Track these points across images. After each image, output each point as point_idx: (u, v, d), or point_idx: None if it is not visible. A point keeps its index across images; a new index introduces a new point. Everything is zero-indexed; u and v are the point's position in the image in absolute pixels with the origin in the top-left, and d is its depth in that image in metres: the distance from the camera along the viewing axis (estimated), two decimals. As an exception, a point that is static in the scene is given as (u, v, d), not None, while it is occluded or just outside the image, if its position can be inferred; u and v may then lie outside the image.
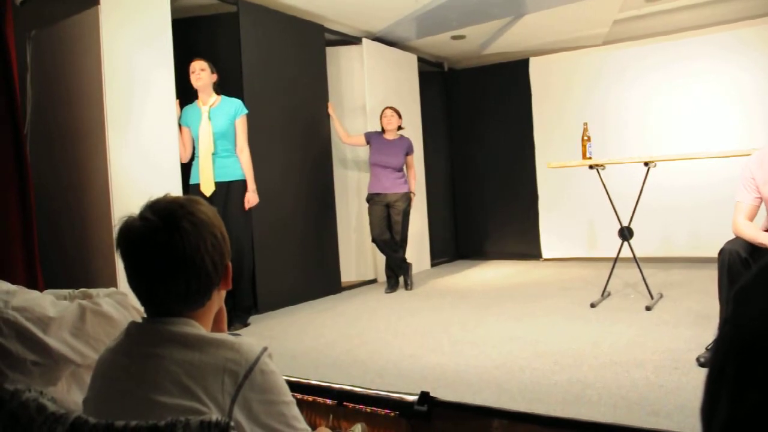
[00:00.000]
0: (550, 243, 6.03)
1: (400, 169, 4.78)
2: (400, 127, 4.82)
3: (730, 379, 0.40)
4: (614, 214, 3.95)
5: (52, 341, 1.23)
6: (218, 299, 1.00)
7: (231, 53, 4.17)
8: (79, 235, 3.34)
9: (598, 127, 5.35)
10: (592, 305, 3.78)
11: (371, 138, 4.81)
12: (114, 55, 3.26)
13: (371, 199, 4.77)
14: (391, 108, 4.80)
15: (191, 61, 3.74)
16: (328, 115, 4.87)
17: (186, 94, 3.76)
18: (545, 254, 6.05)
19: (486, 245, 6.45)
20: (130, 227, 0.93)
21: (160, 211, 0.94)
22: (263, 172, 4.09)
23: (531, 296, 4.25)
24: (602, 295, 3.98)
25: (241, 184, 3.75)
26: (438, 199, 6.42)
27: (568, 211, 5.88)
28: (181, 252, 0.91)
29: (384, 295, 4.69)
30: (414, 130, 5.80)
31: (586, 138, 4.01)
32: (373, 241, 4.76)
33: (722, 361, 0.42)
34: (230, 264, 0.99)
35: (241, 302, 3.79)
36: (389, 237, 4.71)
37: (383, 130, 4.80)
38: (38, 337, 1.21)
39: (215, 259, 0.94)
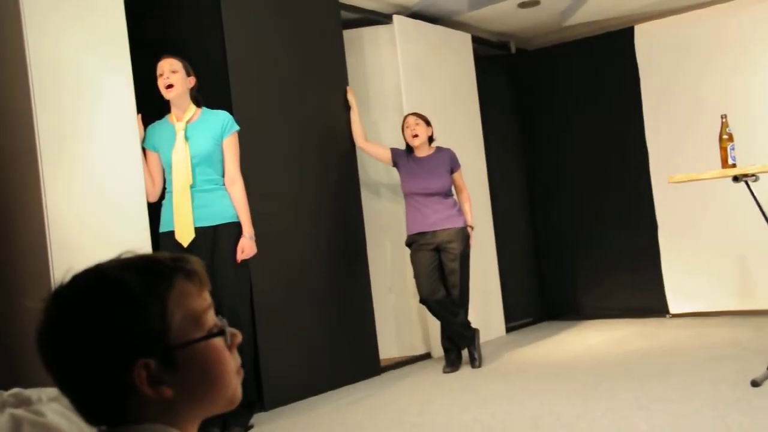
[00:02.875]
0: (679, 292, 5.95)
1: (449, 194, 4.84)
2: (431, 138, 4.89)
3: None
4: (776, 245, 3.80)
5: None
6: (152, 407, 0.97)
7: (211, 47, 4.22)
8: (5, 312, 3.33)
9: (742, 121, 5.22)
10: (755, 383, 3.65)
11: (398, 159, 4.90)
12: (44, 52, 3.27)
13: (414, 242, 4.82)
14: (414, 115, 4.90)
15: (158, 60, 3.78)
16: (349, 117, 4.92)
17: (151, 106, 3.80)
18: (674, 308, 5.99)
19: (584, 299, 6.42)
20: None
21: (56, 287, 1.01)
22: (263, 210, 4.12)
23: (657, 372, 4.16)
24: (768, 367, 3.86)
25: (233, 228, 3.76)
26: (511, 234, 6.41)
27: (704, 243, 5.78)
28: (47, 348, 0.97)
29: (442, 375, 4.70)
30: (472, 138, 5.84)
31: (725, 136, 3.96)
32: (423, 301, 4.77)
33: None
34: (146, 361, 0.94)
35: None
36: (444, 295, 4.72)
37: (410, 148, 4.85)
38: None
39: (94, 360, 0.94)
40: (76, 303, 0.97)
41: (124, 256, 1.01)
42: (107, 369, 0.95)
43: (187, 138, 3.74)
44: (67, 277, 0.99)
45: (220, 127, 3.78)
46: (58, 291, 0.99)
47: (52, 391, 1.43)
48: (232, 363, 1.02)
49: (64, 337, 0.96)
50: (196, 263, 1.02)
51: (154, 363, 0.95)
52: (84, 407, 0.99)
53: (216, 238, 3.72)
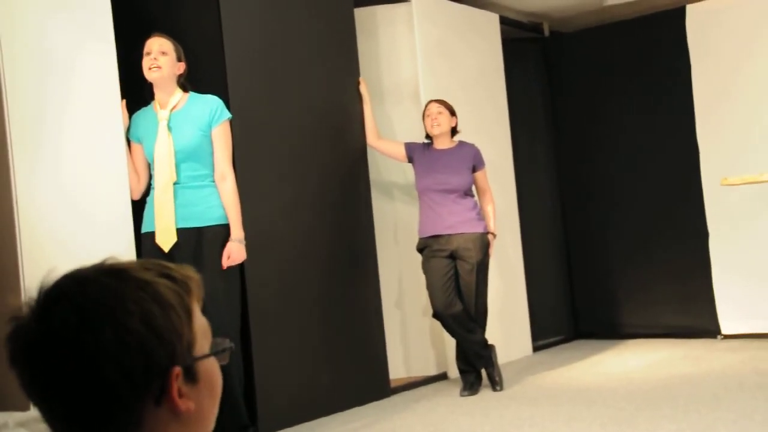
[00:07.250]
0: (733, 309, 5.91)
1: (469, 194, 4.85)
2: (455, 130, 4.91)
3: None
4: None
5: None
6: (166, 421, 0.97)
7: (205, 27, 4.21)
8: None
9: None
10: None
11: (414, 152, 4.90)
12: (16, 28, 3.27)
13: (426, 247, 4.81)
14: (437, 102, 4.90)
15: (145, 38, 3.77)
16: (359, 107, 4.92)
17: (138, 92, 3.80)
18: (726, 328, 5.95)
19: (622, 315, 6.39)
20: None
21: (41, 293, 0.96)
22: (258, 211, 4.13)
23: (705, 401, 4.14)
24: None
25: (220, 232, 3.77)
26: (540, 241, 6.41)
27: (762, 253, 5.73)
28: (53, 357, 0.93)
29: (459, 399, 4.69)
30: (498, 133, 5.83)
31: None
32: (436, 316, 4.78)
33: None
34: (179, 369, 0.96)
35: (229, 419, 3.73)
36: (461, 309, 4.71)
37: (430, 139, 4.88)
38: None
39: (125, 361, 0.93)
40: (105, 301, 0.94)
41: (109, 262, 1.00)
42: (140, 369, 0.94)
43: (170, 128, 3.73)
44: (54, 275, 0.97)
45: (208, 115, 3.76)
46: (58, 289, 0.95)
47: (20, 416, 1.45)
48: None
49: (78, 342, 0.92)
50: (196, 274, 1.03)
51: (181, 373, 0.96)
52: (67, 428, 0.95)
53: (200, 242, 3.72)
